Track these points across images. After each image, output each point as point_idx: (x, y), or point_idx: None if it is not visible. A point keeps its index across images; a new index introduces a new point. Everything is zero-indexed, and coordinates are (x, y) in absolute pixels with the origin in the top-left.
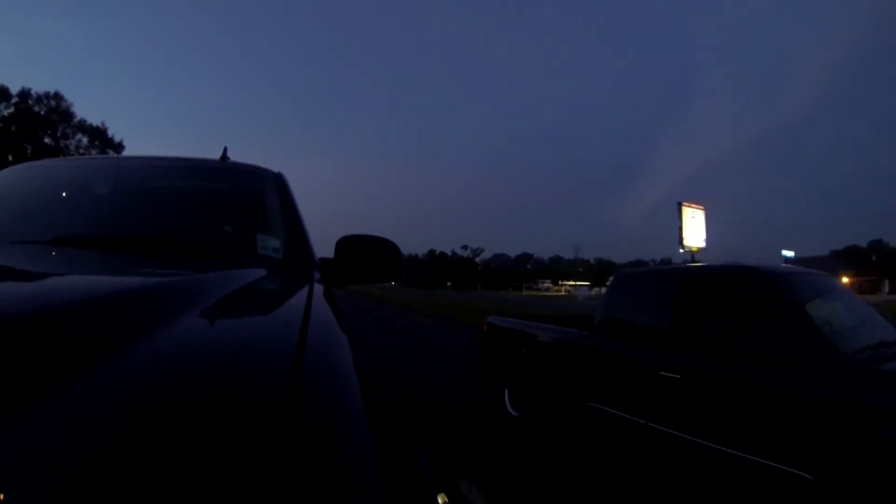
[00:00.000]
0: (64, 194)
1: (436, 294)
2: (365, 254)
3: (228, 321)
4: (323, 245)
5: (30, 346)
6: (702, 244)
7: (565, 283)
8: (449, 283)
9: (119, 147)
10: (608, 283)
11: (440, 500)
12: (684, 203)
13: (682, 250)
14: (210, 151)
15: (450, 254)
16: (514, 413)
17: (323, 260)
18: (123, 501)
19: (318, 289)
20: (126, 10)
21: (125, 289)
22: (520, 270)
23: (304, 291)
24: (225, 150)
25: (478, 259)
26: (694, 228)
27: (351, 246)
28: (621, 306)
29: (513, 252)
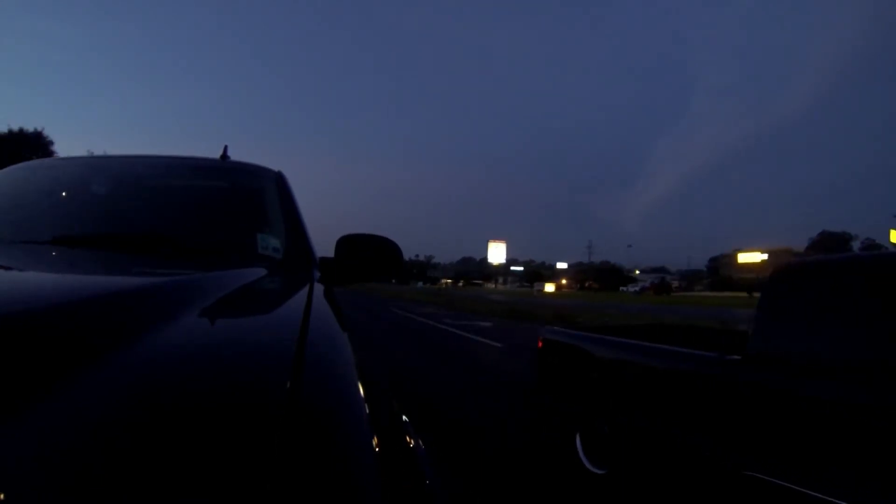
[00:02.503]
0: (63, 194)
1: (377, 285)
2: (365, 253)
3: (229, 321)
4: (321, 244)
5: (30, 347)
6: (502, 261)
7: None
8: (393, 280)
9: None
10: (769, 281)
11: (403, 417)
12: (490, 240)
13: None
14: (210, 150)
15: (407, 259)
16: (593, 469)
17: (323, 259)
18: (124, 501)
19: (319, 288)
20: (125, 8)
21: (125, 288)
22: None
23: (305, 290)
24: (225, 148)
25: (430, 262)
26: (497, 253)
27: (351, 245)
28: (799, 317)
29: (478, 255)
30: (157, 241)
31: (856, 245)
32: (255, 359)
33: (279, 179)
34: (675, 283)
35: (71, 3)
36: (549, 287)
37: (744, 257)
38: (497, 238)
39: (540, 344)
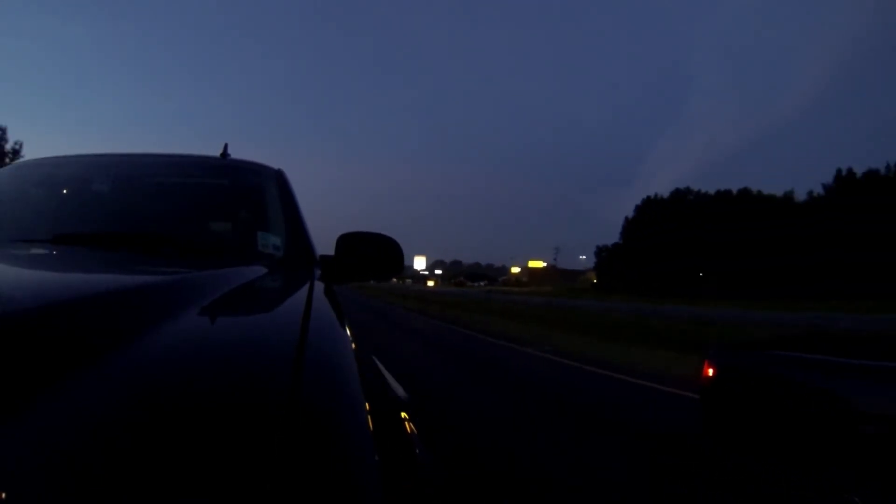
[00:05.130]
0: (63, 192)
1: None
2: (366, 251)
3: (229, 319)
4: (320, 243)
5: (30, 346)
6: (423, 267)
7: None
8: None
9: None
10: None
11: (402, 415)
12: (416, 255)
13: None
14: (210, 149)
15: None
16: None
17: (324, 257)
18: (124, 501)
19: (319, 286)
20: (126, 8)
21: (125, 287)
22: None
23: (305, 289)
24: (225, 146)
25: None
26: (419, 263)
27: (352, 243)
28: None
29: (448, 258)
30: (157, 239)
31: None
32: (256, 358)
33: (279, 177)
34: (484, 282)
35: (71, 2)
36: (431, 283)
37: (514, 269)
38: (419, 252)
39: (710, 372)
